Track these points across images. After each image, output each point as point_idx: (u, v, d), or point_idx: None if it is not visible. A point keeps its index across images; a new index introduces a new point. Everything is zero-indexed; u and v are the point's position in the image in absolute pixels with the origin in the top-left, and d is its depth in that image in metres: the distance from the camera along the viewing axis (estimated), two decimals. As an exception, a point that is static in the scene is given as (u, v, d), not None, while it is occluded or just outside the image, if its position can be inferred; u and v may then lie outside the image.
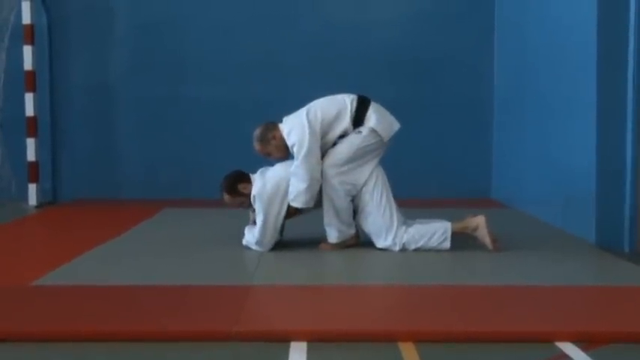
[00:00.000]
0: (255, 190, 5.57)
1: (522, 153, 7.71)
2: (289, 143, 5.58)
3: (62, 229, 7.16)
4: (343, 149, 5.56)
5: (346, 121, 5.57)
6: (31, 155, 8.45)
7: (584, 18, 5.91)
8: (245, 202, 5.69)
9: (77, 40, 8.91)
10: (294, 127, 5.56)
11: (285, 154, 5.69)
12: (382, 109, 5.70)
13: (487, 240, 5.52)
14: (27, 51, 8.37)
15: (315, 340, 3.56)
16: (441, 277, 4.86)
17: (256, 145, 5.73)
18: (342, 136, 5.61)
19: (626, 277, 4.86)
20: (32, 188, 8.45)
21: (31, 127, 8.44)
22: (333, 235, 5.68)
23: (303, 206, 5.55)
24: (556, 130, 6.65)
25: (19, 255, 5.74)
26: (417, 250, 5.54)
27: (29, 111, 8.41)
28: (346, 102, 5.61)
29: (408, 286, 4.62)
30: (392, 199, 5.63)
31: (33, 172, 8.46)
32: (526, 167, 7.56)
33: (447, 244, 5.54)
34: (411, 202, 7.83)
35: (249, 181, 5.65)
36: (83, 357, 3.42)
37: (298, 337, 3.58)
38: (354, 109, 5.58)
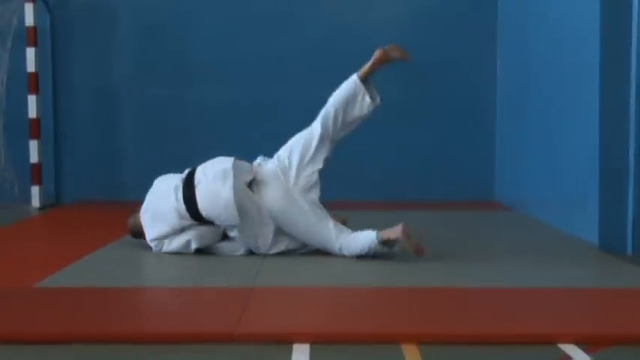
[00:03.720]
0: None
1: (525, 155, 7.70)
2: None
3: (65, 231, 7.17)
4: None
5: (174, 222, 5.48)
6: (33, 157, 8.44)
7: (588, 19, 5.90)
8: None
9: (80, 42, 8.91)
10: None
11: None
12: (209, 187, 5.42)
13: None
14: (30, 53, 8.36)
15: (318, 341, 3.56)
16: (443, 279, 4.85)
17: (134, 237, 5.80)
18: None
19: (629, 279, 4.86)
20: (35, 190, 8.44)
21: (34, 129, 8.43)
22: (356, 249, 5.36)
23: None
24: (559, 132, 6.64)
25: (22, 257, 5.74)
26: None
27: (32, 113, 8.41)
28: (171, 198, 5.54)
29: (410, 288, 4.62)
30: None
31: (36, 174, 8.46)
32: (529, 169, 7.55)
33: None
34: (415, 205, 7.85)
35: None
36: (86, 359, 3.42)
37: (301, 339, 3.57)
38: (180, 203, 5.47)
